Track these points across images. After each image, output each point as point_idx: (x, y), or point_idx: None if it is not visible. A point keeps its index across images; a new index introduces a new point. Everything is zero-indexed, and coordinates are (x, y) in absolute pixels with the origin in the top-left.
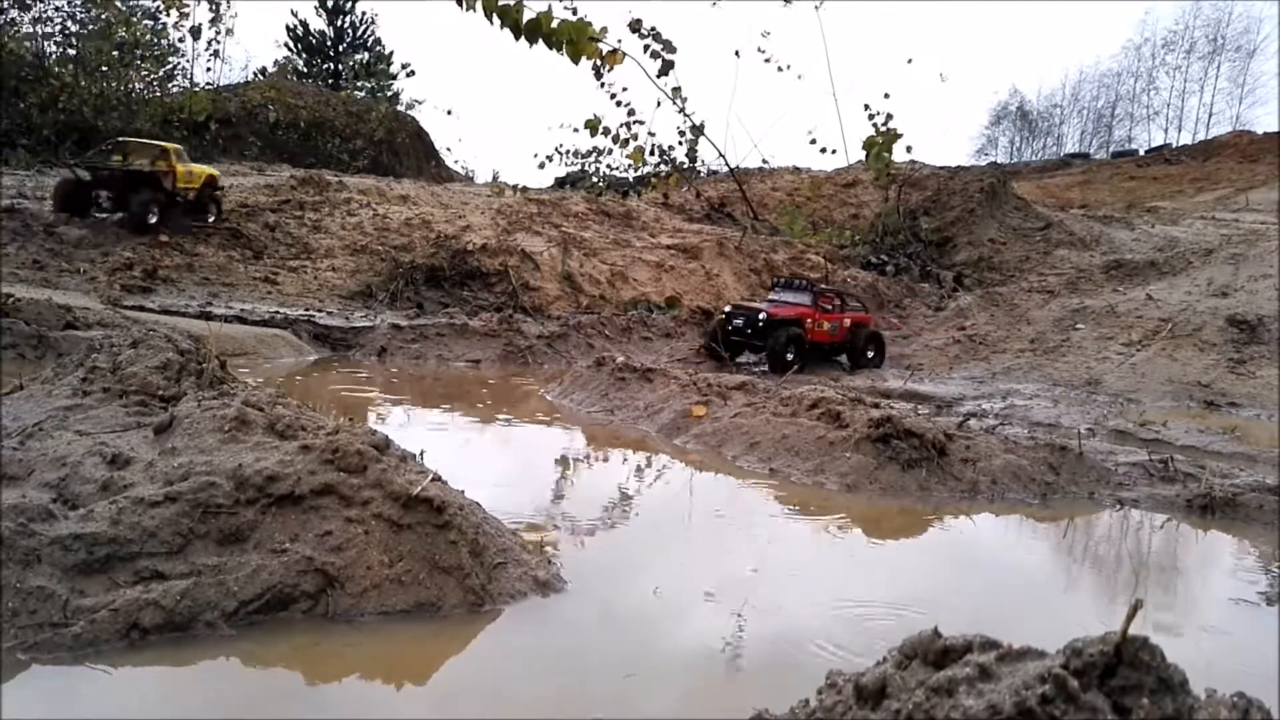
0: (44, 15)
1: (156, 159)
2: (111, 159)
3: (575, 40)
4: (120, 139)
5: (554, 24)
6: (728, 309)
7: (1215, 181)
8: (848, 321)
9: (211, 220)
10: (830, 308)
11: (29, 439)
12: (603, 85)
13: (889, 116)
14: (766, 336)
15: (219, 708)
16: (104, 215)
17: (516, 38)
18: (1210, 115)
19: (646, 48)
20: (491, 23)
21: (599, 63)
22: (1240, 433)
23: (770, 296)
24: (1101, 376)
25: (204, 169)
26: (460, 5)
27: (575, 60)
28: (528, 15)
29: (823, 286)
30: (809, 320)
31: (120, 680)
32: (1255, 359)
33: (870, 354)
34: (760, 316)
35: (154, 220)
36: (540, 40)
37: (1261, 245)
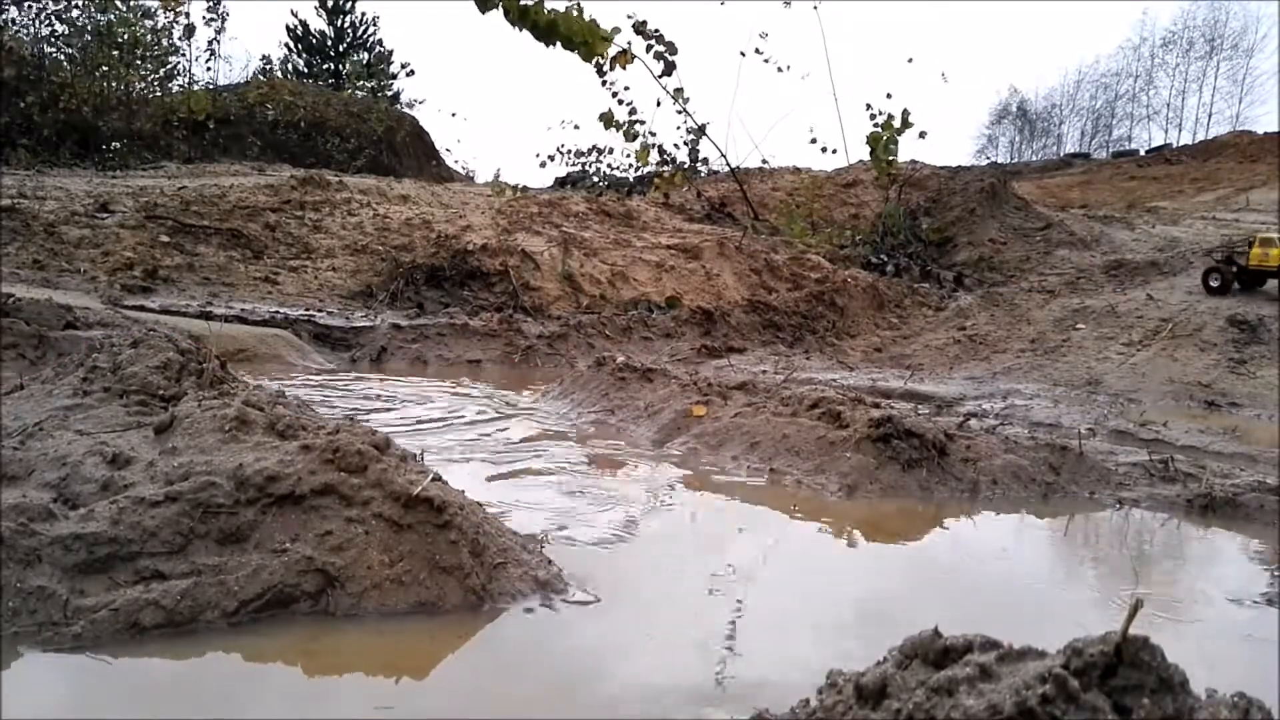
0: (43, 14)
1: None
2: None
3: (589, 41)
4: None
5: (570, 25)
6: None
7: (1215, 181)
8: None
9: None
10: None
11: (29, 439)
12: (605, 84)
13: (891, 116)
14: None
15: (219, 707)
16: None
17: (536, 38)
18: (1210, 115)
19: (649, 48)
20: (512, 24)
21: (608, 62)
22: (1240, 433)
23: None
24: (1102, 376)
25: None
26: (480, 8)
27: (588, 59)
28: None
29: None
30: None
31: (120, 680)
32: (1255, 359)
33: None
34: None
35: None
36: (557, 40)
37: None
